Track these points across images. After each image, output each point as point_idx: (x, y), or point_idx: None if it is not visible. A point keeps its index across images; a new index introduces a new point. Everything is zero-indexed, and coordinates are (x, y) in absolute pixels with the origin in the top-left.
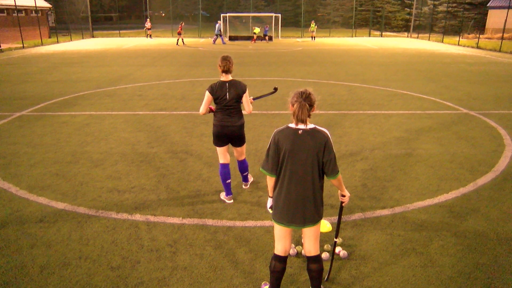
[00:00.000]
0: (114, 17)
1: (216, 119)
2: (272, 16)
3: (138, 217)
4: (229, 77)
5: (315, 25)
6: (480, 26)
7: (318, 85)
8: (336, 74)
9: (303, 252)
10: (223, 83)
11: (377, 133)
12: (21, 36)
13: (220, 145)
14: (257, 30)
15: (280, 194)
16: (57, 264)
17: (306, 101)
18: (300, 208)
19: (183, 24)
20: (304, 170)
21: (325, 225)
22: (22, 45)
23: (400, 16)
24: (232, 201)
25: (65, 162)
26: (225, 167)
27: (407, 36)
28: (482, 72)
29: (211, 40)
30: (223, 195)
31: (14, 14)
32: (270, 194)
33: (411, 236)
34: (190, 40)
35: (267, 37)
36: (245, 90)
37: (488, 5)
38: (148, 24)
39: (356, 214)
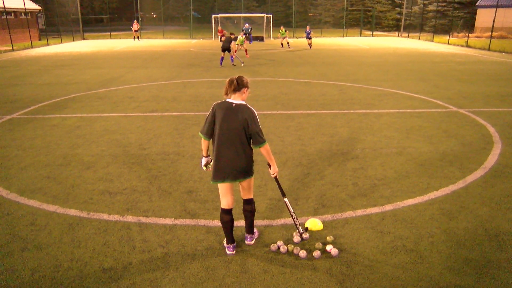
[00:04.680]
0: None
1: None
2: (263, 17)
3: (130, 218)
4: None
5: (285, 30)
6: (469, 25)
7: (310, 85)
8: (327, 74)
9: (291, 248)
10: (228, 37)
11: (368, 132)
12: (11, 39)
13: (223, 51)
14: (241, 40)
15: (216, 156)
16: (48, 267)
17: (237, 80)
18: (230, 166)
19: (220, 28)
20: (232, 136)
21: (317, 224)
22: (11, 47)
23: (390, 16)
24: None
25: (56, 165)
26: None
27: (398, 36)
28: (471, 70)
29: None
30: None
31: (3, 17)
32: (204, 154)
33: (401, 234)
34: (181, 42)
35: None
36: (234, 40)
37: (477, 4)
38: (135, 26)
39: (347, 212)
